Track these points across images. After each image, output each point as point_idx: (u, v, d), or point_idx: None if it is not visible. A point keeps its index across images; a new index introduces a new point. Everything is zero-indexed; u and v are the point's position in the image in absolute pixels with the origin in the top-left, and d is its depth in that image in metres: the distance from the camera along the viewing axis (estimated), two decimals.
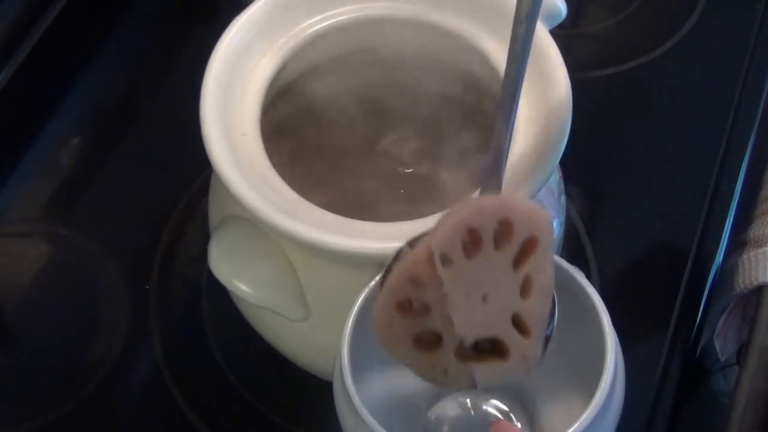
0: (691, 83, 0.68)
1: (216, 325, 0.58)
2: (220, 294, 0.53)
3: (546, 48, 0.45)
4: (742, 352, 0.60)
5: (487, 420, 0.45)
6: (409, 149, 0.54)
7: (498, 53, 0.47)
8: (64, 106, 0.67)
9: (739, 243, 0.61)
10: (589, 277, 0.53)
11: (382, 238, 0.41)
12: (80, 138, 0.68)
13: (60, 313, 0.59)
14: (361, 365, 0.38)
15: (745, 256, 0.58)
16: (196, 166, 0.63)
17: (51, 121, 0.67)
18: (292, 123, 0.51)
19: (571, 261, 0.39)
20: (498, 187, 0.36)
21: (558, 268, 0.37)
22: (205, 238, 0.60)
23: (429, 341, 0.35)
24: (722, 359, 0.62)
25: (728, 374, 0.62)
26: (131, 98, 0.70)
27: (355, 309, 0.38)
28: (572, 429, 0.34)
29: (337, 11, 0.49)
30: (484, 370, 0.36)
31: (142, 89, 0.71)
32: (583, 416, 0.34)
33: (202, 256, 0.60)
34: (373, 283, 0.38)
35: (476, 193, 0.38)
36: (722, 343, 0.62)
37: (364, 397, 0.36)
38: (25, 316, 0.59)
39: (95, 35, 0.70)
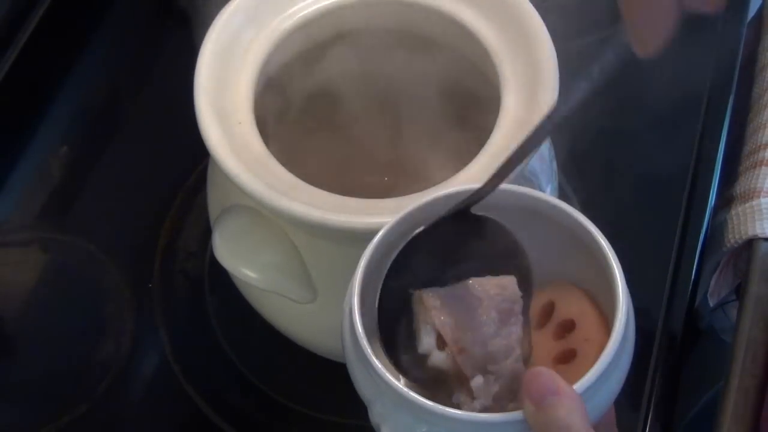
0: (670, 44, 0.69)
1: (221, 317, 0.58)
2: (223, 286, 0.54)
3: (529, 17, 0.46)
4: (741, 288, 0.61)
5: None
6: (401, 128, 0.54)
7: (479, 26, 0.48)
8: (51, 112, 0.67)
9: (726, 199, 0.61)
10: None
11: (381, 213, 0.42)
12: (70, 143, 0.68)
13: (66, 318, 0.59)
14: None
15: (733, 212, 0.59)
16: (188, 163, 0.64)
17: (40, 128, 0.67)
18: (285, 108, 0.52)
19: None
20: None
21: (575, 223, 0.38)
22: (203, 233, 0.61)
23: None
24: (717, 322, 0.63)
25: (728, 310, 0.63)
26: (116, 101, 0.71)
27: (359, 276, 0.37)
28: (579, 382, 0.34)
29: None
30: None
31: (126, 91, 0.71)
32: (590, 372, 0.34)
33: (201, 251, 0.61)
34: (373, 243, 0.38)
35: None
36: (716, 299, 0.63)
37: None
38: (32, 323, 0.59)
39: (76, 41, 0.71)
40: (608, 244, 0.37)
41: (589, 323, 0.38)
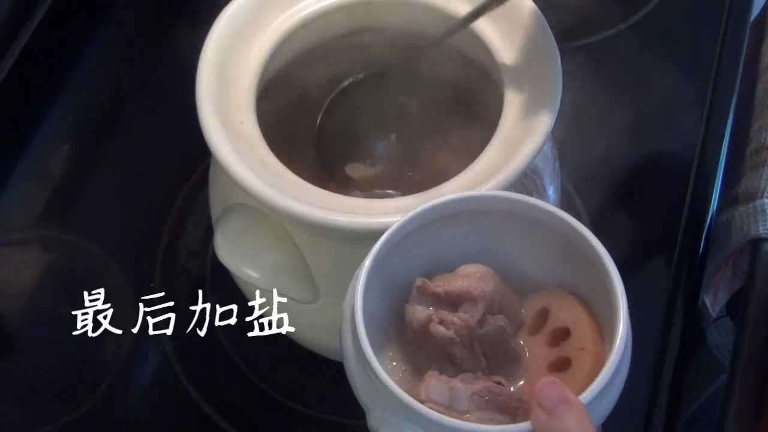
0: (672, 45, 0.69)
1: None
2: (224, 285, 0.53)
3: (532, 17, 0.46)
4: (732, 304, 0.61)
5: None
6: (404, 128, 0.54)
7: (482, 25, 0.48)
8: (52, 112, 0.67)
9: (729, 199, 0.61)
10: None
11: (383, 213, 0.42)
12: (72, 142, 0.68)
13: (67, 317, 0.59)
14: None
15: (737, 212, 0.59)
16: (190, 163, 0.64)
17: (41, 127, 0.67)
18: (287, 107, 0.52)
19: None
20: None
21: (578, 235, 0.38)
22: (205, 232, 0.61)
23: None
24: (713, 315, 0.63)
25: (720, 327, 0.63)
26: (118, 100, 0.71)
27: (362, 279, 0.37)
28: (584, 393, 0.34)
29: None
30: None
31: (128, 90, 0.71)
32: (594, 383, 0.34)
33: (203, 251, 0.61)
34: (376, 247, 0.38)
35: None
36: (712, 299, 0.63)
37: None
38: (33, 322, 0.59)
39: (77, 40, 0.70)
40: (608, 255, 0.37)
41: (583, 331, 0.38)
